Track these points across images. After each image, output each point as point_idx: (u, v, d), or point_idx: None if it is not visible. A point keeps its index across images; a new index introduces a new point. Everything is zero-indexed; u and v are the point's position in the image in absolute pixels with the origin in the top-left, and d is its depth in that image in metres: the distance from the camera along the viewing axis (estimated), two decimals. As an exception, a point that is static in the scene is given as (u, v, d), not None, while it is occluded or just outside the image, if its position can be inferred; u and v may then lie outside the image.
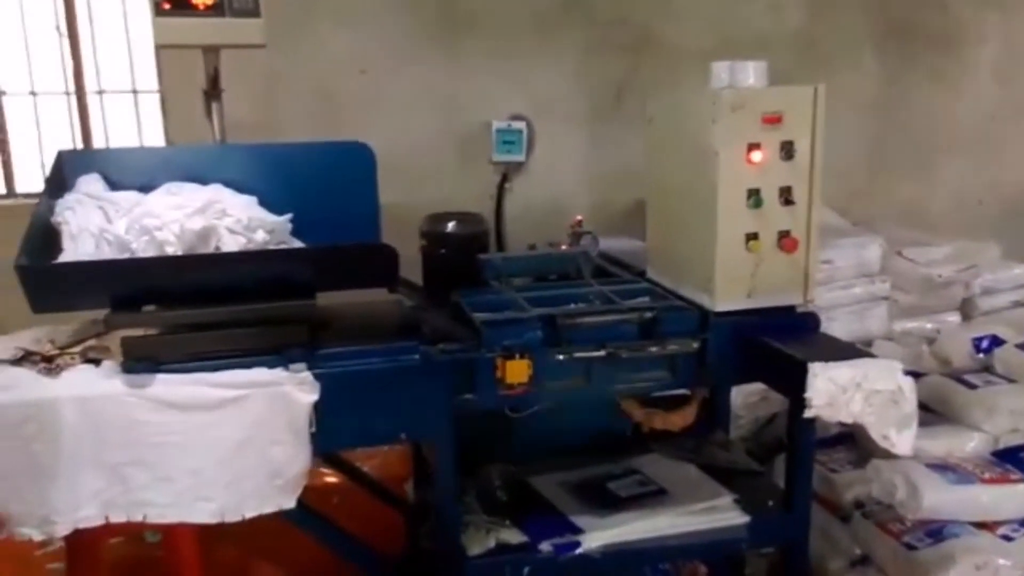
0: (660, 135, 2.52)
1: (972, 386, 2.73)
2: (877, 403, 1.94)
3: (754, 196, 2.19)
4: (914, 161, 3.84)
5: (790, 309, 2.30)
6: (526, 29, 3.48)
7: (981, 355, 2.89)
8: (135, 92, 3.38)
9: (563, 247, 2.85)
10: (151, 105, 3.40)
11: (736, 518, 2.31)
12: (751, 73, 2.24)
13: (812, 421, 2.07)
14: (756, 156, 2.17)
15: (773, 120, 2.17)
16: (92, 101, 3.36)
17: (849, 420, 1.94)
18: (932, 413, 2.68)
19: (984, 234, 3.39)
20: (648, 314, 2.19)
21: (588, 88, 3.55)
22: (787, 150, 2.19)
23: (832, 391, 1.93)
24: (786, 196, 2.21)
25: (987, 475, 2.46)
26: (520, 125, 3.43)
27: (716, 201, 2.19)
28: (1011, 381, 2.72)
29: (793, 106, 2.19)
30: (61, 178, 2.20)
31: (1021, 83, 3.59)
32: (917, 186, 3.85)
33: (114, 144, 3.40)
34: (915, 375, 2.74)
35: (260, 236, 2.16)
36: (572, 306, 2.27)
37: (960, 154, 3.84)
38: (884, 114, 3.76)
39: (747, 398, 2.93)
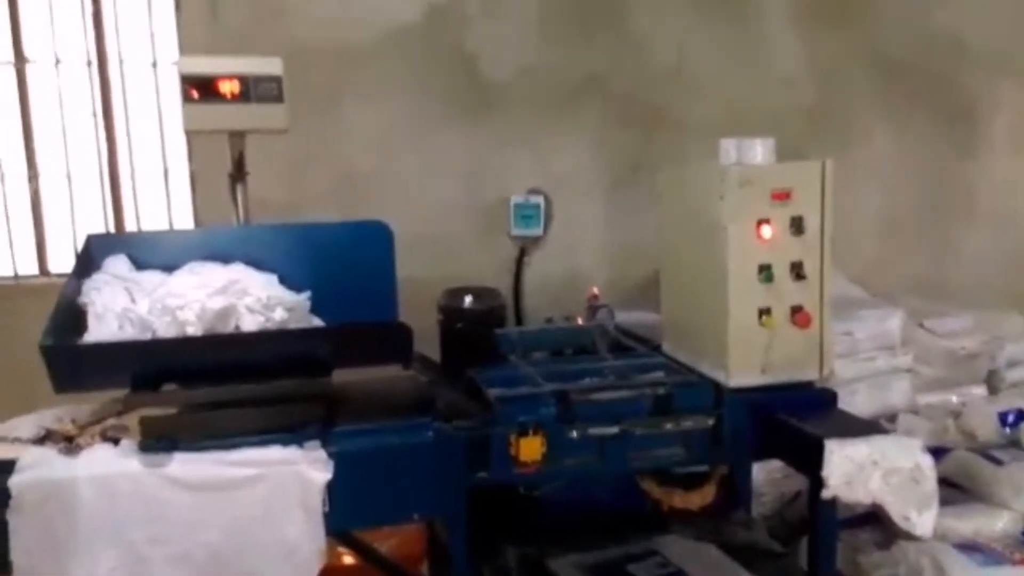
0: (671, 210, 2.55)
1: (999, 462, 2.66)
2: (896, 482, 1.90)
3: (765, 271, 2.20)
4: (930, 232, 3.84)
5: (807, 384, 2.28)
6: (543, 106, 3.57)
7: (1008, 429, 2.83)
8: (166, 173, 3.50)
9: (579, 321, 2.87)
10: (182, 185, 3.52)
11: (758, 602, 2.24)
12: (759, 150, 2.28)
13: (833, 500, 2.03)
14: (766, 232, 2.19)
15: (782, 196, 2.19)
16: (125, 182, 3.49)
17: (868, 500, 1.90)
18: (959, 490, 2.61)
19: (1005, 305, 3.35)
20: (662, 390, 2.18)
21: (605, 163, 3.62)
22: (797, 225, 2.21)
23: (849, 469, 1.90)
24: (797, 271, 2.22)
25: (1018, 556, 2.38)
26: (538, 199, 3.50)
27: (727, 276, 2.20)
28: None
29: (802, 182, 2.22)
30: (89, 259, 2.27)
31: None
32: (934, 257, 3.83)
33: (145, 222, 3.50)
34: (940, 451, 2.70)
35: (279, 314, 2.21)
36: (586, 381, 2.28)
37: (977, 224, 3.83)
38: (898, 185, 3.78)
39: (770, 474, 2.88)
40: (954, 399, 3.12)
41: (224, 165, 2.65)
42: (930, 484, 1.91)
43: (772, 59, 3.73)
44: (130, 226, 3.50)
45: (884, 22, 3.75)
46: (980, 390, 3.20)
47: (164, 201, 3.53)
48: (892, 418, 2.94)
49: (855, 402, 2.83)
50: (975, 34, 3.75)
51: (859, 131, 3.78)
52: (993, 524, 2.51)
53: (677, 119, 3.63)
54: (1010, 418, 2.84)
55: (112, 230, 3.43)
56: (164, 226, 3.47)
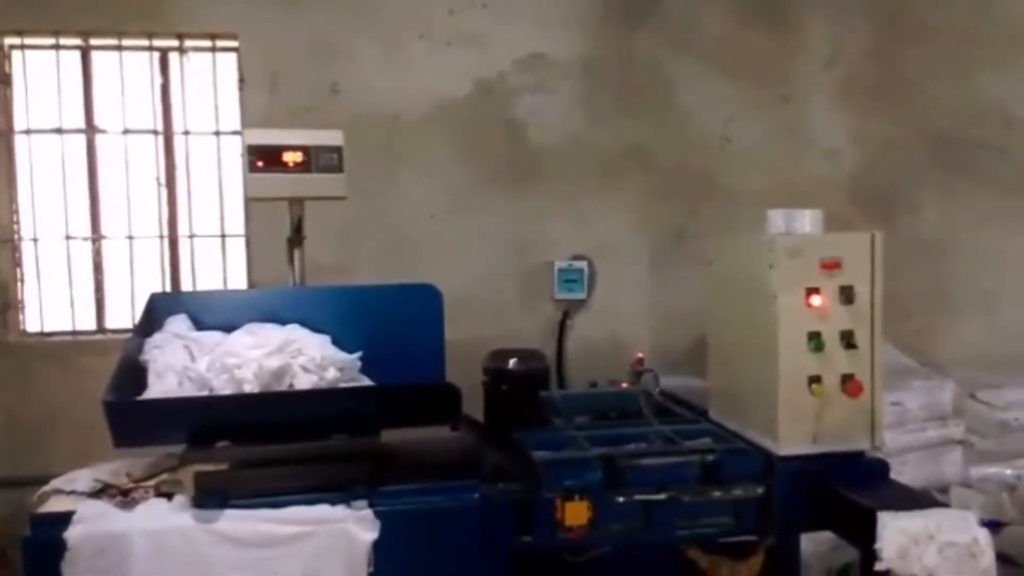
0: (720, 278, 2.58)
1: (1060, 539, 2.57)
2: (952, 556, 1.86)
3: (815, 339, 2.20)
4: (978, 302, 3.79)
5: (858, 455, 2.26)
6: (588, 174, 3.65)
7: (1067, 505, 2.74)
8: (223, 236, 3.63)
9: (624, 385, 2.87)
10: (237, 248, 3.64)
11: None
12: (807, 221, 2.32)
13: (887, 573, 1.98)
14: (815, 300, 2.21)
15: (831, 266, 2.21)
16: (183, 244, 3.62)
17: (923, 574, 1.85)
18: (1016, 566, 2.52)
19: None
20: (710, 457, 2.17)
21: (649, 229, 3.67)
22: (847, 295, 2.22)
23: (903, 543, 1.86)
24: (848, 340, 2.22)
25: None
26: (581, 264, 3.55)
27: (777, 344, 2.21)
28: None
29: (851, 252, 2.24)
30: (151, 318, 2.36)
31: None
32: (982, 327, 3.78)
33: (201, 284, 3.62)
34: (995, 525, 2.62)
35: (331, 374, 2.26)
36: (632, 446, 2.27)
37: (1025, 295, 3.78)
38: (948, 256, 3.76)
39: (819, 546, 2.81)
40: (1008, 472, 3.03)
41: (278, 230, 2.74)
42: (988, 559, 1.87)
43: (817, 133, 3.78)
44: (186, 288, 3.61)
45: (930, 95, 3.79)
46: (1037, 462, 3.11)
47: (220, 264, 3.64)
48: (944, 490, 2.87)
49: (905, 472, 2.76)
50: (1022, 105, 3.76)
51: (907, 203, 3.78)
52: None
53: (720, 187, 3.67)
54: (1070, 494, 2.75)
55: (170, 290, 3.54)
56: (220, 288, 3.57)
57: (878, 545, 1.88)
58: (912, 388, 3.13)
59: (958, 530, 1.88)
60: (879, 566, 1.88)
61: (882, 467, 2.24)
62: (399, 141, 3.57)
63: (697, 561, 2.43)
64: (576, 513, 2.07)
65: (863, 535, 1.95)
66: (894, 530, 1.88)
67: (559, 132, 3.64)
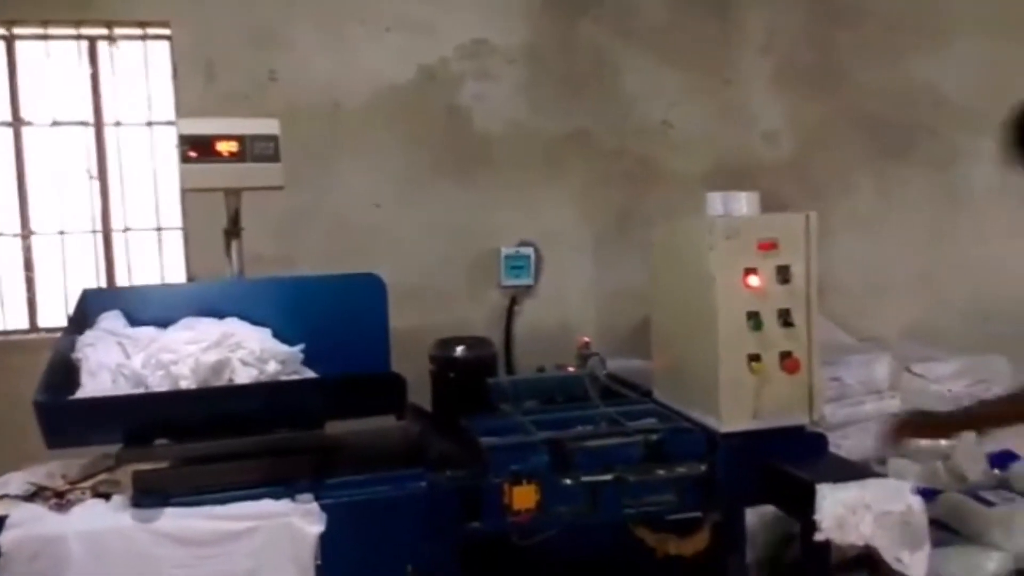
0: (662, 261, 2.60)
1: (989, 503, 2.67)
2: (888, 524, 1.92)
3: (754, 319, 2.24)
4: (912, 278, 3.90)
5: (798, 429, 2.31)
6: (533, 160, 3.65)
7: (997, 471, 2.84)
8: (159, 230, 3.54)
9: (570, 369, 2.89)
10: (174, 242, 3.55)
11: (755, 651, 2.23)
12: (744, 203, 2.35)
13: (826, 543, 2.03)
14: (753, 280, 2.24)
15: (768, 246, 2.25)
16: (117, 239, 3.52)
17: (860, 542, 1.91)
18: (950, 532, 2.61)
19: (989, 350, 3.39)
20: (654, 436, 2.20)
21: (593, 214, 3.68)
22: (783, 274, 2.26)
23: (841, 513, 1.91)
24: (785, 318, 2.26)
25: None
26: (528, 251, 3.55)
27: (717, 324, 2.24)
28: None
29: (787, 232, 2.27)
30: (84, 315, 2.30)
31: (1016, 202, 3.68)
32: (916, 303, 3.89)
33: (137, 279, 3.52)
34: (930, 493, 2.70)
35: (272, 367, 2.23)
36: (579, 429, 2.29)
37: (960, 272, 3.89)
38: (883, 234, 3.86)
39: (763, 519, 2.86)
40: (943, 442, 3.13)
41: (217, 221, 2.69)
42: (921, 526, 1.93)
43: (756, 116, 3.84)
44: (122, 283, 3.52)
45: (863, 78, 3.87)
46: (969, 433, 3.22)
47: (157, 258, 3.55)
48: (883, 461, 2.94)
49: (845, 445, 2.83)
50: (953, 88, 3.86)
51: (843, 184, 3.87)
52: (984, 564, 2.51)
53: (662, 170, 3.71)
54: (1000, 459, 2.85)
55: (104, 286, 3.44)
56: (156, 283, 3.49)
57: (816, 516, 1.93)
58: (850, 363, 3.21)
59: (893, 499, 1.94)
60: (818, 536, 1.93)
61: (820, 441, 2.29)
62: (341, 129, 3.52)
63: (644, 539, 2.47)
64: (524, 497, 2.07)
65: (802, 507, 2.00)
66: (832, 501, 1.93)
67: (503, 118, 3.63)
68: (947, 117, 3.90)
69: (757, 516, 2.84)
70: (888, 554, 1.90)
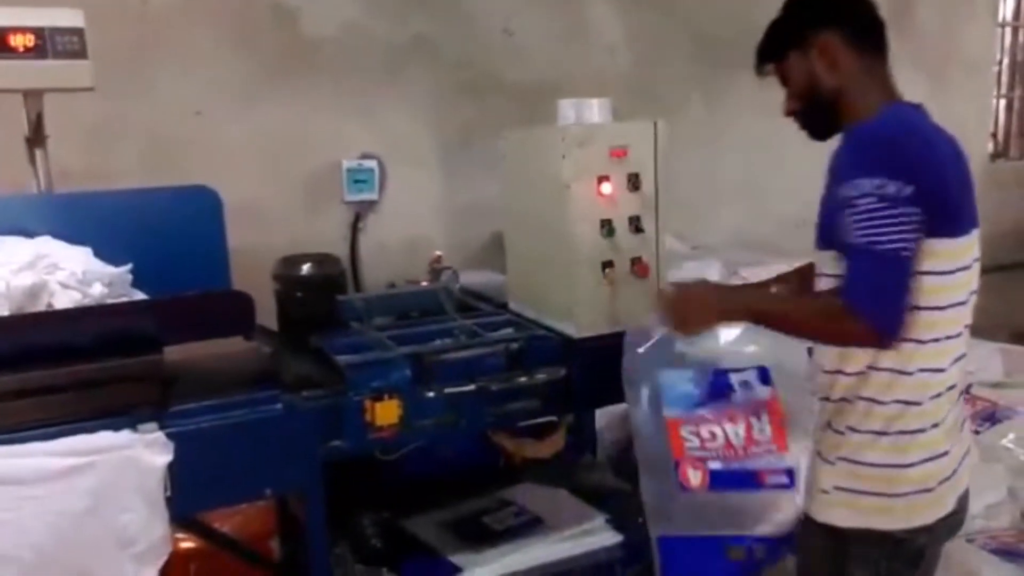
0: (514, 171, 2.58)
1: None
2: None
3: (607, 226, 2.28)
4: (740, 188, 4.14)
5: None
6: (373, 68, 3.46)
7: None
8: (-61, 140, 3.07)
9: (423, 284, 2.85)
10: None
11: (610, 539, 2.36)
12: (596, 110, 2.36)
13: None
14: (606, 188, 2.27)
15: (620, 154, 2.28)
16: None
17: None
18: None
19: (803, 255, 3.68)
20: (514, 345, 2.22)
21: (437, 125, 3.57)
22: (634, 182, 2.31)
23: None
24: (636, 224, 2.32)
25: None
26: (371, 164, 3.39)
27: (571, 232, 2.27)
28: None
29: (637, 140, 2.31)
30: None
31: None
32: (744, 211, 4.14)
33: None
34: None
35: (97, 290, 2.02)
36: (438, 342, 2.27)
37: (780, 179, 4.16)
38: (713, 148, 4.04)
39: (610, 419, 3.01)
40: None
41: (12, 130, 2.37)
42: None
43: (597, 29, 3.84)
44: None
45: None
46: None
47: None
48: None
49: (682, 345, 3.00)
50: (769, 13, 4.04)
51: (679, 97, 3.99)
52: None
53: (506, 82, 3.65)
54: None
55: None
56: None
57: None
58: (684, 269, 3.36)
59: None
60: (669, 428, 2.03)
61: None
62: (150, 29, 3.16)
63: (503, 445, 2.53)
64: (386, 413, 2.04)
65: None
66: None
67: (336, 21, 3.40)
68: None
69: (604, 417, 2.98)
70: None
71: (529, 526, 2.40)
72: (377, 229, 3.46)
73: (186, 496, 1.83)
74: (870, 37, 1.71)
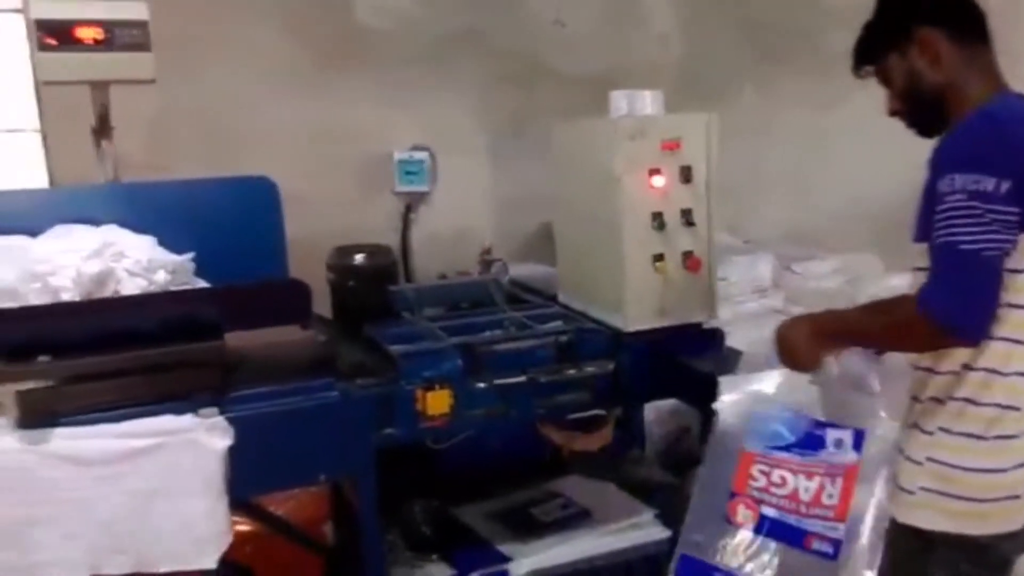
0: (564, 163, 2.58)
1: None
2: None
3: (657, 219, 2.27)
4: (790, 181, 4.06)
5: (697, 326, 2.39)
6: (423, 58, 3.49)
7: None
8: (12, 132, 3.18)
9: (473, 275, 2.87)
10: (29, 145, 3.20)
11: (658, 533, 2.36)
12: (648, 102, 2.34)
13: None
14: (657, 181, 2.26)
15: (672, 146, 2.27)
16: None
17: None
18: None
19: (863, 247, 3.61)
20: (564, 338, 2.23)
21: (487, 116, 3.58)
22: (686, 174, 2.29)
23: (742, 402, 2.00)
24: (687, 218, 2.31)
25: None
26: (422, 155, 3.42)
27: (622, 225, 2.27)
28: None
29: (690, 132, 2.30)
30: (-63, 225, 2.05)
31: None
32: (794, 205, 4.07)
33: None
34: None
35: (161, 277, 2.08)
36: (488, 334, 2.29)
37: (835, 175, 4.08)
38: (764, 139, 3.96)
39: (659, 414, 3.00)
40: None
41: (78, 121, 2.44)
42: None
43: (647, 18, 3.81)
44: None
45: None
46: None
47: (11, 162, 3.20)
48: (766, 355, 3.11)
49: (732, 341, 2.95)
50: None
51: (729, 88, 3.92)
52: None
53: (555, 72, 3.64)
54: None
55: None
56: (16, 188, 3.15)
57: (718, 406, 2.01)
58: (736, 263, 3.34)
59: (792, 390, 2.04)
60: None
61: (719, 336, 2.39)
62: (207, 19, 3.22)
63: (551, 437, 2.54)
64: (437, 402, 2.07)
65: (704, 399, 2.08)
66: (733, 391, 2.01)
67: (390, 13, 3.43)
68: (825, 22, 4.00)
69: (653, 411, 2.98)
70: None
71: (577, 518, 2.41)
72: (428, 220, 3.49)
73: (244, 479, 1.89)
74: (971, 28, 1.64)
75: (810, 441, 1.87)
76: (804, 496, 1.85)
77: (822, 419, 1.88)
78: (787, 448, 1.87)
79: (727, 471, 1.91)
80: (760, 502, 1.87)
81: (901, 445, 1.66)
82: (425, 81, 3.48)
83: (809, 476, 1.85)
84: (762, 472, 1.88)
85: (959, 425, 1.56)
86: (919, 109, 1.67)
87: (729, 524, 1.89)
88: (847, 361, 1.81)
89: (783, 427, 1.89)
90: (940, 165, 1.50)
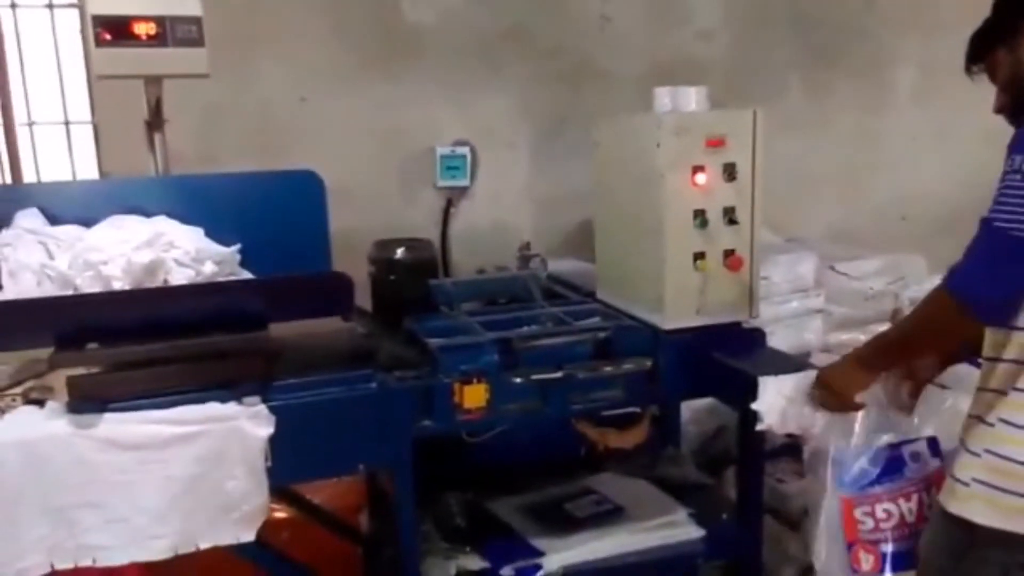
0: (606, 159, 2.58)
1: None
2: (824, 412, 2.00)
3: (700, 217, 2.26)
4: (835, 179, 3.99)
5: (736, 325, 2.38)
6: (468, 54, 3.51)
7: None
8: (67, 124, 3.28)
9: (512, 270, 2.88)
10: (82, 137, 3.30)
11: (692, 532, 2.35)
12: (692, 98, 2.33)
13: (762, 433, 2.13)
14: (700, 178, 2.25)
15: (716, 143, 2.25)
16: (22, 133, 3.24)
17: (799, 431, 2.00)
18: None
19: (908, 248, 3.54)
20: (602, 334, 2.23)
21: (529, 113, 3.59)
22: (730, 172, 2.27)
23: (782, 404, 1.99)
24: (730, 216, 2.29)
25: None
26: (464, 150, 3.45)
27: (664, 222, 2.26)
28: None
29: (734, 129, 2.28)
30: (-4, 214, 2.13)
31: (939, 104, 3.77)
32: (839, 203, 4.01)
33: (45, 177, 3.28)
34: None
35: (209, 268, 2.14)
36: (526, 329, 2.30)
37: (882, 174, 4.01)
38: (809, 136, 3.90)
39: (695, 413, 2.99)
40: (862, 337, 3.29)
41: (130, 113, 2.51)
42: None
43: (692, 13, 3.77)
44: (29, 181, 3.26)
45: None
46: (885, 327, 3.39)
47: (65, 153, 3.30)
48: (807, 356, 3.07)
49: (773, 341, 2.87)
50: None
51: (777, 86, 3.87)
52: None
53: (599, 69, 3.63)
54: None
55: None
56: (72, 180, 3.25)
57: (758, 407, 2.00)
58: (777, 262, 3.30)
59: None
60: (759, 426, 2.00)
61: (760, 335, 2.37)
62: (256, 15, 3.28)
63: (586, 433, 2.54)
64: (474, 396, 2.08)
65: (744, 399, 2.07)
66: (772, 392, 2.00)
67: (437, 8, 3.45)
68: (876, 18, 3.93)
69: (690, 410, 2.96)
70: (823, 442, 2.00)
71: (610, 515, 2.41)
72: (468, 214, 3.51)
73: (284, 467, 1.93)
74: None
75: (892, 465, 1.90)
76: (910, 518, 1.88)
77: (892, 439, 1.91)
78: (877, 481, 1.89)
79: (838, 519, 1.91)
80: (876, 543, 1.89)
81: (962, 436, 1.64)
82: (470, 77, 3.50)
83: (907, 498, 1.88)
84: (866, 514, 1.89)
85: (1020, 417, 1.53)
86: (1022, 101, 1.66)
87: (856, 574, 1.90)
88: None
89: (865, 461, 1.91)
90: (1011, 147, 1.51)
